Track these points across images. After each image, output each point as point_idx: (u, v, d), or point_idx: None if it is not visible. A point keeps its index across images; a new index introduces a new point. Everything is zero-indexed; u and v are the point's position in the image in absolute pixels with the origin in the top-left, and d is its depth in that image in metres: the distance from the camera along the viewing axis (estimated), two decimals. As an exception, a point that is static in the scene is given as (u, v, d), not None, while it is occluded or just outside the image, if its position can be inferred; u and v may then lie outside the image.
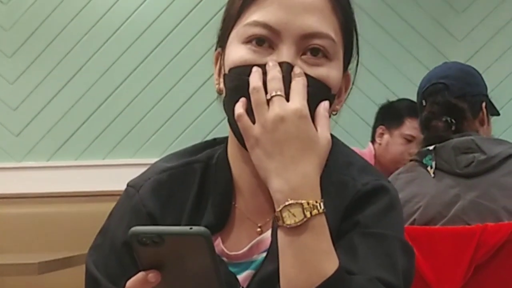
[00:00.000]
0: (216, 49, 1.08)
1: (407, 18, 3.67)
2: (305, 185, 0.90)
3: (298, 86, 0.93)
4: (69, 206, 3.27)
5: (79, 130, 3.68)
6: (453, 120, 2.01)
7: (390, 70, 3.67)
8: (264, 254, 1.01)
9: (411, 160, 2.07)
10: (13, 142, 3.71)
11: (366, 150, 3.06)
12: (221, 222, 1.03)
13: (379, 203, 0.98)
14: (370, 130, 3.18)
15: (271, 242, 0.99)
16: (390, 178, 2.09)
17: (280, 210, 0.90)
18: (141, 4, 3.68)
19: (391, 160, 2.94)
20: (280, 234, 0.92)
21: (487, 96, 2.12)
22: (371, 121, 3.36)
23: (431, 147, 1.98)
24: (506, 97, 3.57)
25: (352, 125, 3.51)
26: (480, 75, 2.15)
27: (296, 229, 0.89)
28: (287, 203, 0.89)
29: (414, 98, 2.28)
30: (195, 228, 0.80)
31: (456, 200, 1.90)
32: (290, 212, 0.89)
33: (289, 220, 0.89)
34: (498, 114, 2.22)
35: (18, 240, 3.26)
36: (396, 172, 2.11)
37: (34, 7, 3.70)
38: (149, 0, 3.68)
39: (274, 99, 0.91)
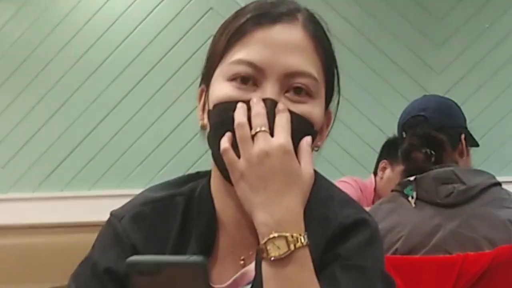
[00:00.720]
0: (200, 86, 1.09)
1: (388, 53, 3.72)
2: (289, 219, 0.91)
3: (282, 121, 0.94)
4: (55, 237, 3.23)
5: (64, 161, 3.69)
6: (432, 152, 2.03)
7: (372, 103, 3.71)
8: (249, 287, 1.01)
9: (392, 191, 2.09)
10: (-2, 174, 3.71)
11: (367, 181, 3.08)
12: (205, 255, 0.98)
13: (360, 236, 0.99)
14: (354, 162, 3.20)
15: (255, 274, 0.99)
16: (372, 208, 2.13)
17: (265, 243, 0.91)
18: (127, 37, 3.72)
19: None
20: (264, 266, 0.92)
21: (466, 128, 2.15)
22: (355, 154, 3.41)
23: (412, 178, 2.00)
24: (484, 129, 3.60)
25: (336, 158, 3.54)
26: (459, 107, 2.18)
27: (281, 262, 0.90)
28: (271, 236, 0.90)
29: (395, 130, 2.29)
30: (193, 257, 0.82)
31: (437, 230, 1.91)
32: (275, 244, 0.90)
33: (274, 253, 0.90)
34: (477, 145, 2.23)
35: (3, 271, 3.23)
36: (378, 202, 2.14)
37: (20, 40, 3.73)
38: (135, 33, 3.72)
39: (259, 134, 0.92)
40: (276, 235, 0.90)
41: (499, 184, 1.98)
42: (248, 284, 1.02)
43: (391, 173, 3.00)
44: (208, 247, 1.03)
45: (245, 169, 0.92)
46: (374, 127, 3.44)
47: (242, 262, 1.04)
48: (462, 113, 2.17)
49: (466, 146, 2.12)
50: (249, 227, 1.01)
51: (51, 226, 3.33)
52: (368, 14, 3.72)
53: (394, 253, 1.93)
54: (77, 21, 3.72)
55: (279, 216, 0.91)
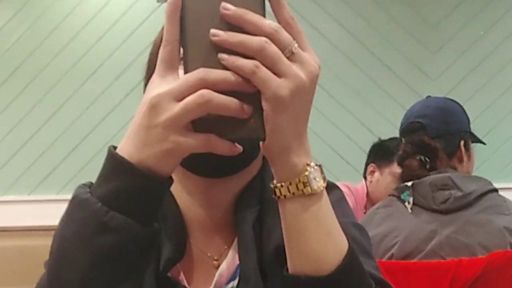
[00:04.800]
0: None
1: (383, 59, 3.75)
2: (308, 147, 0.78)
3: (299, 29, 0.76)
4: (51, 240, 3.24)
5: (61, 164, 3.71)
6: (427, 159, 2.04)
7: (366, 109, 3.73)
8: (233, 283, 0.97)
9: (389, 195, 2.10)
10: (-6, 176, 3.72)
11: (359, 186, 3.10)
12: (179, 257, 0.96)
13: (331, 196, 0.84)
14: (348, 166, 3.22)
15: (241, 266, 0.94)
16: (368, 212, 2.13)
17: (306, 176, 0.76)
18: (124, 42, 3.74)
19: (381, 198, 2.96)
20: (295, 209, 0.78)
21: (467, 131, 2.15)
22: (349, 158, 3.42)
23: (409, 183, 2.01)
24: (479, 135, 3.60)
25: (330, 162, 3.57)
26: (461, 109, 2.17)
27: (316, 197, 0.77)
28: (311, 167, 0.76)
29: (390, 136, 2.31)
30: None
31: (433, 236, 1.91)
32: (313, 176, 0.77)
33: (316, 185, 0.77)
34: (484, 143, 2.25)
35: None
36: (375, 206, 2.13)
37: (18, 42, 3.75)
38: (131, 38, 3.74)
39: (297, 52, 0.73)
40: (313, 165, 0.77)
41: (495, 190, 1.99)
42: (230, 282, 0.98)
43: (380, 176, 3.04)
44: (180, 250, 0.97)
45: (292, 92, 0.71)
46: (369, 132, 3.46)
47: (215, 262, 1.00)
48: (465, 114, 2.17)
49: (467, 151, 2.12)
50: (215, 226, 0.99)
51: (47, 228, 3.33)
52: (363, 21, 3.75)
53: (389, 258, 1.94)
54: (75, 24, 3.74)
55: (307, 143, 0.77)
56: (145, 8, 3.73)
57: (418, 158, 2.05)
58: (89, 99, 3.73)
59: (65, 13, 3.73)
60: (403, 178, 2.07)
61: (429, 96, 2.30)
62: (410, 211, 1.98)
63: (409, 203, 1.99)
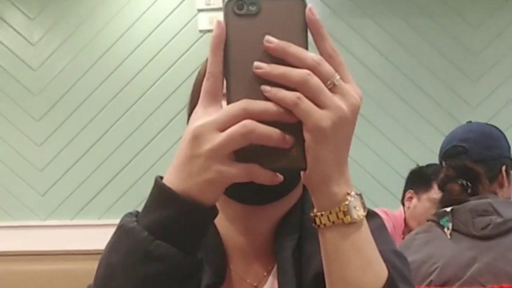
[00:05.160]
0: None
1: (423, 87, 3.74)
2: (349, 176, 0.79)
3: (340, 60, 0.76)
4: (93, 263, 3.28)
5: (103, 190, 3.77)
6: (468, 184, 2.02)
7: (406, 136, 3.72)
8: None
9: (428, 221, 2.08)
10: (38, 201, 3.80)
11: (397, 212, 3.11)
12: (219, 283, 0.97)
13: (371, 223, 0.86)
14: (388, 193, 3.21)
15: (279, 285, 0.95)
16: (407, 238, 2.11)
17: (346, 205, 0.76)
18: (166, 71, 3.79)
19: (419, 224, 2.95)
20: (335, 237, 0.78)
21: (508, 157, 2.12)
22: (389, 186, 3.40)
23: (448, 209, 1.99)
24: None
25: (370, 189, 3.56)
26: (503, 135, 2.16)
27: (356, 225, 0.77)
28: (351, 196, 0.77)
29: (429, 162, 2.29)
30: None
31: (472, 262, 1.89)
32: (353, 205, 0.77)
33: (356, 214, 0.77)
34: None
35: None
36: (414, 232, 2.11)
37: (62, 73, 3.83)
38: (174, 67, 3.78)
39: (338, 83, 0.74)
40: (353, 194, 0.77)
41: None
42: None
43: (417, 202, 3.03)
44: (220, 276, 0.98)
45: (334, 123, 0.72)
46: (408, 158, 3.44)
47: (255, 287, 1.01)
48: (506, 141, 2.15)
49: (508, 176, 2.10)
50: (254, 252, 1.00)
51: (89, 252, 3.38)
52: (403, 49, 3.75)
53: (428, 285, 1.92)
54: (120, 53, 3.81)
55: (347, 172, 0.78)
56: (188, 38, 3.78)
57: (459, 182, 2.03)
58: (132, 127, 3.78)
59: (110, 42, 3.81)
60: (444, 202, 2.04)
61: (470, 121, 2.29)
62: (449, 237, 1.95)
63: (448, 229, 1.96)
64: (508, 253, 1.87)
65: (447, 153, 2.14)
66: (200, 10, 3.76)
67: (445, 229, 1.97)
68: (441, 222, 1.99)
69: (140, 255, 0.74)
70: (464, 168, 2.03)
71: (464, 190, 2.02)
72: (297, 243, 0.98)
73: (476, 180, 2.02)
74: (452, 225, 1.96)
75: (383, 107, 3.69)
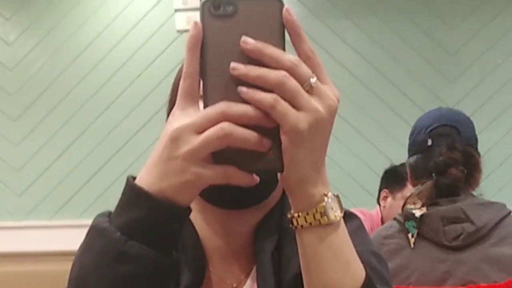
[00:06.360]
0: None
1: (400, 87, 3.76)
2: (326, 177, 0.79)
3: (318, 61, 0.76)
4: (70, 265, 3.26)
5: (80, 190, 3.75)
6: (465, 171, 1.93)
7: (384, 135, 3.74)
8: None
9: (394, 219, 2.00)
10: (15, 202, 3.76)
11: (373, 212, 3.14)
12: (198, 284, 0.98)
13: (349, 225, 0.86)
14: (365, 192, 3.22)
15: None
16: (376, 242, 1.98)
17: (323, 206, 0.76)
18: (143, 72, 3.78)
19: None
20: (312, 239, 0.78)
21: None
22: (365, 184, 3.42)
23: (417, 214, 1.89)
24: (497, 161, 3.63)
25: (347, 188, 3.58)
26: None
27: (333, 226, 0.78)
28: (328, 197, 0.77)
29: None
30: None
31: (446, 278, 1.83)
32: (330, 206, 0.77)
33: (332, 215, 0.77)
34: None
35: (18, 298, 3.27)
36: (382, 234, 2.00)
37: (38, 73, 3.80)
38: (150, 68, 3.77)
39: (315, 85, 0.73)
40: (330, 195, 0.77)
41: (510, 213, 1.90)
42: None
43: (392, 201, 3.06)
44: (199, 277, 0.98)
45: (310, 125, 0.72)
46: (387, 159, 3.45)
47: None
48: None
49: None
50: (234, 254, 1.01)
51: (67, 253, 3.36)
52: (381, 49, 3.77)
53: (406, 292, 1.86)
54: (96, 54, 3.79)
55: (324, 173, 0.78)
56: (165, 38, 3.78)
57: (461, 168, 1.93)
58: (108, 127, 3.77)
59: (87, 42, 3.79)
60: (439, 187, 1.93)
61: (451, 108, 2.20)
62: (412, 246, 1.88)
63: (412, 236, 1.89)
64: (481, 265, 1.82)
65: (436, 131, 1.99)
66: (177, 10, 3.75)
67: (409, 235, 1.89)
68: (406, 225, 1.91)
69: (113, 255, 0.74)
70: (467, 153, 1.94)
71: (461, 178, 1.93)
72: (276, 245, 0.99)
73: (475, 169, 1.95)
74: (422, 233, 1.89)
75: (361, 108, 3.71)
